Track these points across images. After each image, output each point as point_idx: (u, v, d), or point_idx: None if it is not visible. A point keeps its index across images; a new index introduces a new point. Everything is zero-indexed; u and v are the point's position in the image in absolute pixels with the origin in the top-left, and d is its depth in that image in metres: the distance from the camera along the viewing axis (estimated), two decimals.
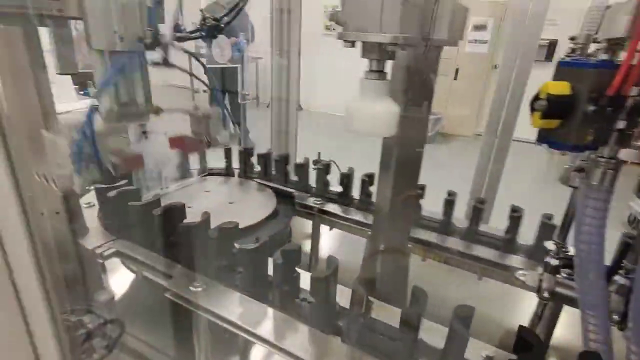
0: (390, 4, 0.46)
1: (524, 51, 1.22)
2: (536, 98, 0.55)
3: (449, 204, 1.01)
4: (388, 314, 0.75)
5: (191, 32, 0.90)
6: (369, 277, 0.89)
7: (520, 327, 1.00)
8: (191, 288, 0.81)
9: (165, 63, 0.82)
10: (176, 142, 0.94)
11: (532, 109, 0.55)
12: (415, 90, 0.65)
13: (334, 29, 7.38)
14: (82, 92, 2.68)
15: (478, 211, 0.98)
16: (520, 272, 0.86)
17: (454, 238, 1.01)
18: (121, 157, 0.85)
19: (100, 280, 1.03)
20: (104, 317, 0.98)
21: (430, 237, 1.02)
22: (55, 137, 0.70)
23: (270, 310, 0.77)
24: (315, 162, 1.35)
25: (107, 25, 0.70)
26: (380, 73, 0.54)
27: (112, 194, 1.02)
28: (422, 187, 1.03)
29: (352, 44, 0.52)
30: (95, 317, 0.98)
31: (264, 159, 1.29)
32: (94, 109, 0.71)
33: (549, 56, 5.35)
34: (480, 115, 6.53)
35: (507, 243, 0.97)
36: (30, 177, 0.54)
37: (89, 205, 1.11)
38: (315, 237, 1.31)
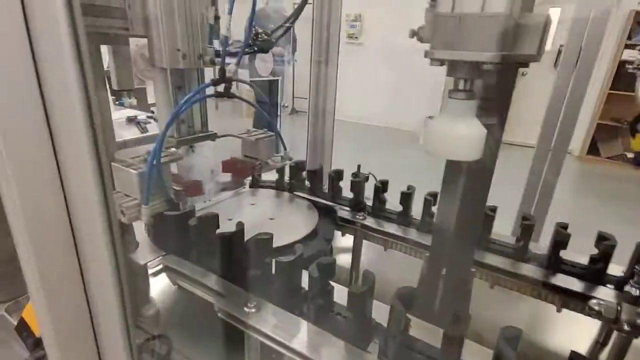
0: (490, 21, 0.43)
1: (584, 57, 1.16)
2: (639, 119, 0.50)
3: (527, 229, 0.96)
4: (428, 333, 0.72)
5: (244, 48, 0.90)
6: (424, 300, 0.85)
7: (572, 352, 0.94)
8: (245, 309, 0.79)
9: (227, 94, 0.81)
10: (228, 165, 0.93)
11: (635, 131, 0.50)
12: (492, 106, 0.61)
13: (356, 38, 7.41)
14: (117, 103, 2.76)
15: (561, 237, 0.92)
16: (594, 301, 0.80)
17: (530, 265, 0.95)
18: (183, 184, 0.85)
19: (147, 295, 1.03)
20: (151, 333, 0.98)
21: (501, 262, 0.96)
22: (125, 168, 0.70)
23: (328, 335, 0.74)
24: (355, 175, 1.32)
25: (171, 43, 0.70)
26: (468, 92, 0.50)
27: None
28: (494, 209, 0.98)
29: (441, 62, 0.49)
30: (143, 333, 0.98)
31: (314, 174, 1.26)
32: (162, 140, 0.71)
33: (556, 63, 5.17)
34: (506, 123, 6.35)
35: (596, 274, 0.91)
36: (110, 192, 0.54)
37: None
38: (356, 252, 1.27)
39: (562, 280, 0.92)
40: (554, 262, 0.94)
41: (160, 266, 0.98)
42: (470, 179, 0.71)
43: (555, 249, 0.94)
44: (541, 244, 1.06)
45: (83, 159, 0.49)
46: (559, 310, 0.93)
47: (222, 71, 0.76)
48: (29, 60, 0.43)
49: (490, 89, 0.60)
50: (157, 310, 1.05)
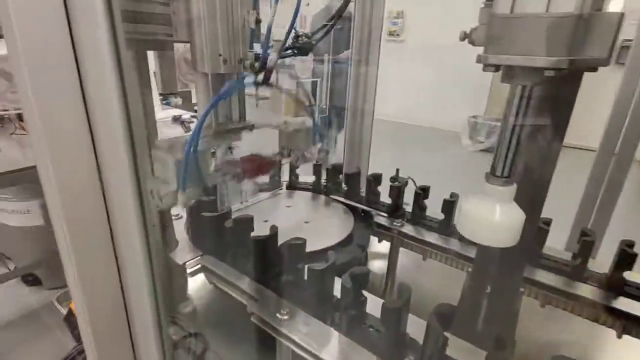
0: (557, 22, 0.38)
1: None
2: None
3: (587, 245, 0.88)
4: (467, 354, 0.68)
5: (284, 50, 0.89)
6: (465, 318, 0.79)
7: None
8: (277, 315, 0.78)
9: (266, 83, 0.80)
10: (247, 163, 0.91)
11: None
12: (551, 117, 0.56)
13: (397, 35, 7.24)
14: (164, 103, 2.87)
15: (625, 256, 0.83)
16: None
17: (588, 285, 0.87)
18: (240, 167, 0.85)
19: (185, 293, 1.05)
20: (187, 330, 1.00)
21: (555, 281, 0.89)
22: (164, 154, 0.71)
23: (360, 348, 0.71)
24: (393, 180, 1.28)
25: (213, 48, 0.71)
26: (506, 179, 0.49)
27: (190, 204, 1.05)
28: (548, 222, 0.90)
29: (496, 68, 0.44)
30: (180, 330, 1.01)
31: (352, 177, 1.24)
32: (200, 127, 0.70)
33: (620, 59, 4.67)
34: None
35: None
36: (146, 191, 0.55)
37: (177, 217, 1.16)
38: (392, 260, 1.23)
39: (626, 304, 0.83)
40: (616, 284, 0.85)
41: (199, 266, 1.00)
42: (524, 188, 0.65)
43: (618, 269, 0.85)
44: (599, 260, 0.97)
45: (120, 156, 0.50)
46: (619, 336, 0.85)
47: (263, 61, 0.76)
48: (72, 63, 0.44)
49: (549, 94, 0.55)
50: (194, 308, 1.07)
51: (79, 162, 0.47)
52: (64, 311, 1.03)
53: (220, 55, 0.72)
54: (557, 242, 1.08)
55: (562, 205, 1.33)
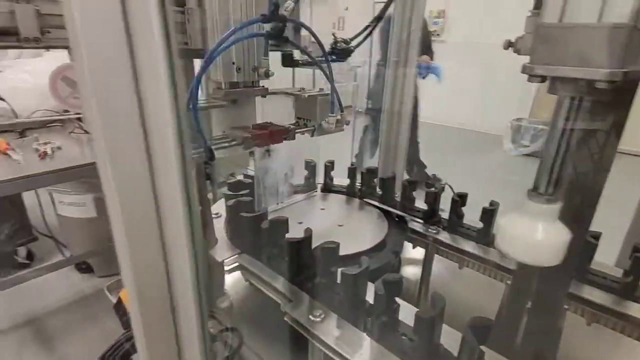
0: (609, 33, 0.36)
1: None
2: None
3: (639, 262, 0.82)
4: None
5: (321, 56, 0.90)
6: (503, 333, 0.77)
7: None
8: (310, 317, 0.80)
9: (279, 37, 0.74)
10: (259, 129, 0.86)
11: None
12: (602, 130, 0.53)
13: (438, 35, 7.05)
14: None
15: None
16: None
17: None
18: (251, 132, 0.82)
19: (222, 289, 1.10)
20: (225, 325, 1.04)
21: (603, 298, 0.84)
22: None
23: (392, 356, 0.71)
24: (429, 185, 1.25)
25: (226, 57, 0.72)
26: (550, 197, 0.46)
27: (229, 203, 1.09)
28: (597, 236, 0.85)
29: (542, 78, 0.43)
30: (218, 324, 1.05)
31: (387, 182, 1.23)
32: (197, 83, 0.67)
33: None
34: None
35: None
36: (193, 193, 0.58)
37: (217, 216, 1.21)
38: (426, 267, 1.21)
39: None
40: None
41: (236, 263, 1.04)
42: (571, 198, 0.62)
43: None
44: None
45: (170, 159, 0.53)
46: None
47: (275, 6, 0.67)
48: (130, 74, 0.48)
49: (601, 105, 0.52)
50: (230, 303, 1.12)
51: (134, 164, 0.51)
52: (114, 299, 1.10)
53: (233, 63, 0.73)
54: (607, 258, 1.01)
55: (613, 217, 1.25)
